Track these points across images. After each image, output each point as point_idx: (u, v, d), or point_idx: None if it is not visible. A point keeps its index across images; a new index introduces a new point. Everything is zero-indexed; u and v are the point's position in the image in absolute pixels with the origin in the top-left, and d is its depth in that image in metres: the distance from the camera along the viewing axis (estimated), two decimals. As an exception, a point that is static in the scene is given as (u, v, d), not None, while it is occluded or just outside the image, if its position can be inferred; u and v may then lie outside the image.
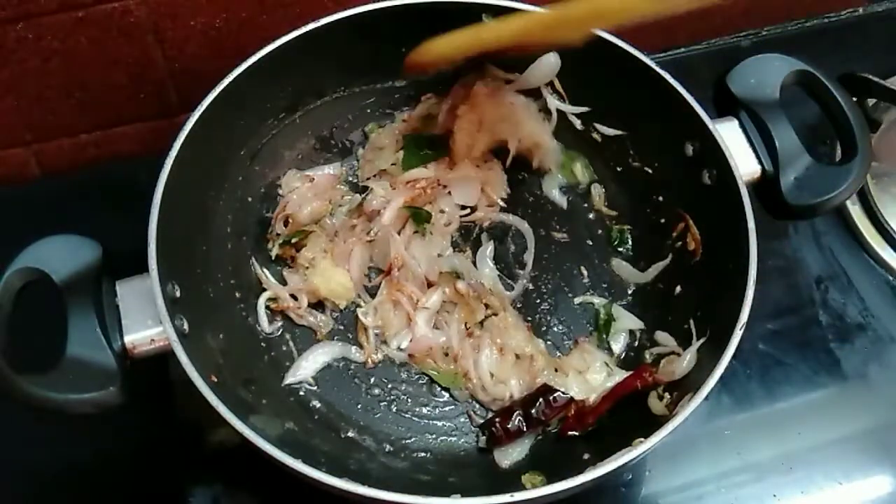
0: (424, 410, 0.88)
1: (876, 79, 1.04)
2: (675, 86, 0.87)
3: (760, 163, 0.86)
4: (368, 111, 1.03)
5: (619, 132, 0.98)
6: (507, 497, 0.67)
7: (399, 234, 0.94)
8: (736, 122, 0.88)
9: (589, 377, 0.87)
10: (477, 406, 0.88)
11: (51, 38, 0.95)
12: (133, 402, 0.74)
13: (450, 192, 0.98)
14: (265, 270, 0.93)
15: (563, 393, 0.84)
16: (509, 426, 0.83)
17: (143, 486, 0.88)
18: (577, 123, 1.00)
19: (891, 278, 1.01)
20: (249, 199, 0.96)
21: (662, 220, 0.95)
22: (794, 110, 0.89)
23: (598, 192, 1.01)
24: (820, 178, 0.85)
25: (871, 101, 1.09)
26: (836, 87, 0.88)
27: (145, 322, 0.75)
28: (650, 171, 0.96)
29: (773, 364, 0.95)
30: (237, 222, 0.94)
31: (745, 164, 0.85)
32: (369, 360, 0.90)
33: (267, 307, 0.92)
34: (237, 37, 1.01)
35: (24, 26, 0.93)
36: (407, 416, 0.88)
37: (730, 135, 0.86)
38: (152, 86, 1.04)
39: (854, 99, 0.89)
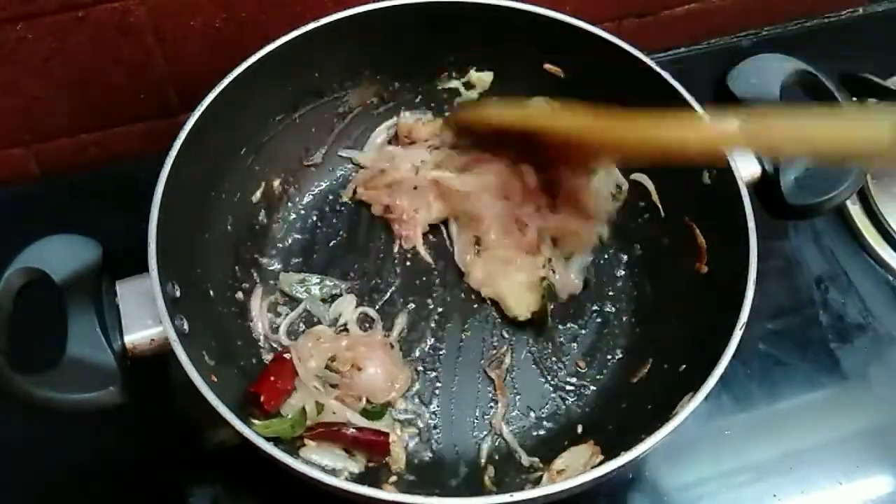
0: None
1: (876, 79, 1.05)
2: (675, 86, 0.87)
3: (760, 163, 0.86)
4: (370, 112, 1.03)
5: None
6: (506, 497, 0.67)
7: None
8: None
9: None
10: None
11: (51, 39, 0.95)
12: (133, 402, 0.74)
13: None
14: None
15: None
16: None
17: (143, 486, 0.88)
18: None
19: (891, 278, 1.01)
20: (249, 199, 0.96)
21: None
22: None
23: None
24: (820, 177, 0.85)
25: (871, 102, 1.09)
26: (836, 88, 0.88)
27: (145, 322, 0.75)
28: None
29: (773, 364, 0.95)
30: (237, 222, 0.94)
31: (745, 164, 0.85)
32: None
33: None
34: (237, 37, 1.01)
35: (24, 26, 0.93)
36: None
37: None
38: (152, 86, 1.04)
39: (854, 99, 0.89)
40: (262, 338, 0.92)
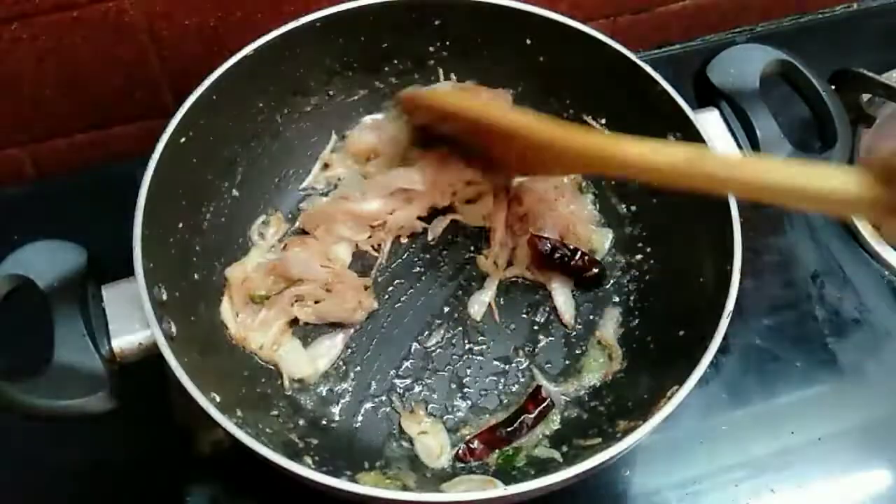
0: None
1: (871, 74, 1.04)
2: (654, 77, 0.87)
3: (742, 152, 0.86)
4: (361, 109, 1.02)
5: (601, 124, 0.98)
6: (500, 490, 0.67)
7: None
8: (716, 113, 0.89)
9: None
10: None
11: (45, 38, 0.95)
12: (130, 405, 0.74)
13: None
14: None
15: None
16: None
17: (140, 488, 0.88)
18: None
19: (886, 273, 1.01)
20: (240, 199, 0.95)
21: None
22: (789, 103, 0.89)
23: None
24: None
25: (865, 97, 1.09)
26: (814, 77, 0.89)
27: (133, 326, 0.75)
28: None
29: (769, 359, 0.95)
30: (231, 221, 0.94)
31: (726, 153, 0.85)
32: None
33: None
34: (232, 36, 1.01)
35: (18, 26, 0.93)
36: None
37: (711, 125, 0.87)
38: (147, 85, 1.04)
39: (833, 87, 0.90)
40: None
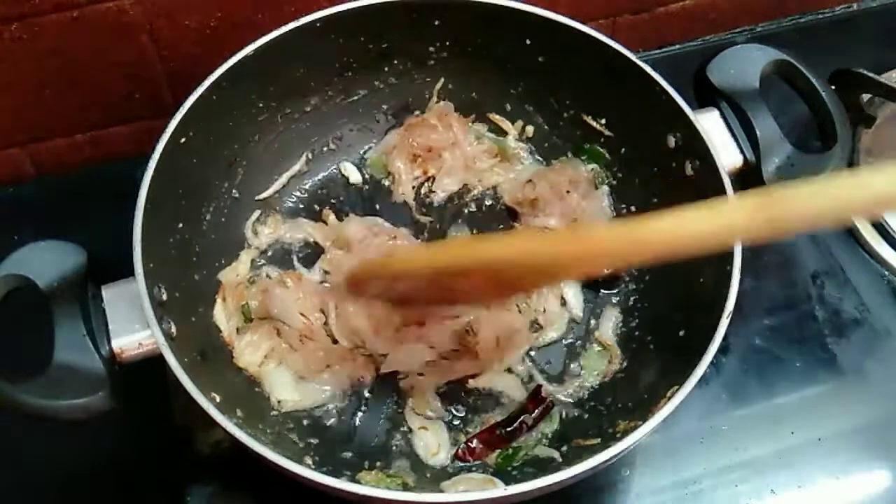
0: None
1: (871, 74, 1.04)
2: (654, 77, 0.87)
3: (742, 152, 0.86)
4: (360, 110, 1.02)
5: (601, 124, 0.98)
6: (500, 490, 0.67)
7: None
8: (717, 113, 0.89)
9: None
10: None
11: (46, 38, 0.96)
12: (130, 405, 0.74)
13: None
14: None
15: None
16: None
17: (140, 488, 0.89)
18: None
19: (886, 273, 1.01)
20: (239, 199, 0.96)
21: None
22: (789, 103, 0.89)
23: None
24: (801, 165, 0.86)
25: (865, 97, 1.09)
26: (814, 77, 0.89)
27: (133, 326, 0.75)
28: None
29: (769, 360, 0.95)
30: (230, 221, 0.94)
31: (726, 153, 0.86)
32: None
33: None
34: (232, 36, 1.01)
35: (18, 27, 0.93)
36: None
37: (711, 125, 0.87)
38: (147, 85, 1.05)
39: (833, 87, 0.90)
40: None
